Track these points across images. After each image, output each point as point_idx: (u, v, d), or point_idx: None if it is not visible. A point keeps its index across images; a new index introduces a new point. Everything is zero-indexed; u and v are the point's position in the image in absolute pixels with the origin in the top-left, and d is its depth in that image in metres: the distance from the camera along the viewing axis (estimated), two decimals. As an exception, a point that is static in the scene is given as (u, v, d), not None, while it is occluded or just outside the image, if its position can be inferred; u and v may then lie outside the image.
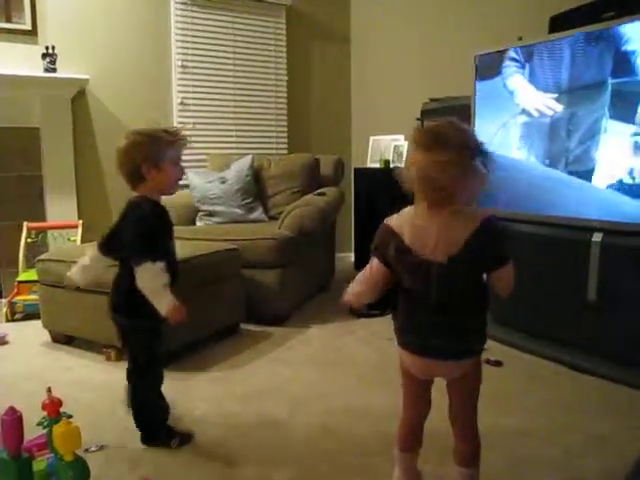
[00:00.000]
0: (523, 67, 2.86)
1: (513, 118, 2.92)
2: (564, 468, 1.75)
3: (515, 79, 2.90)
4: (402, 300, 1.45)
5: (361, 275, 1.49)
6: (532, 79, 2.82)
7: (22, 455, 1.41)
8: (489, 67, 3.02)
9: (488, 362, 2.59)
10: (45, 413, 1.45)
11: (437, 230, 1.32)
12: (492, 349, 2.77)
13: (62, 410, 1.47)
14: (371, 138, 4.71)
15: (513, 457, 1.82)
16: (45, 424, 1.44)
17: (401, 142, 4.38)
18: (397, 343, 1.50)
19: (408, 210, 1.40)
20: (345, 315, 3.33)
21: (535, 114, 2.81)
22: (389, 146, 4.48)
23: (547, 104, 2.74)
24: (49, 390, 1.45)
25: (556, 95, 2.70)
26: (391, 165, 4.33)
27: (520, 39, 2.91)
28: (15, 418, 1.39)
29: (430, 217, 1.34)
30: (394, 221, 1.41)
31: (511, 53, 2.89)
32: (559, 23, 2.92)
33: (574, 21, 2.70)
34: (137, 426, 1.93)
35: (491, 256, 1.35)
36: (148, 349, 1.93)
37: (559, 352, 2.64)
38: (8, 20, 3.82)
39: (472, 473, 1.49)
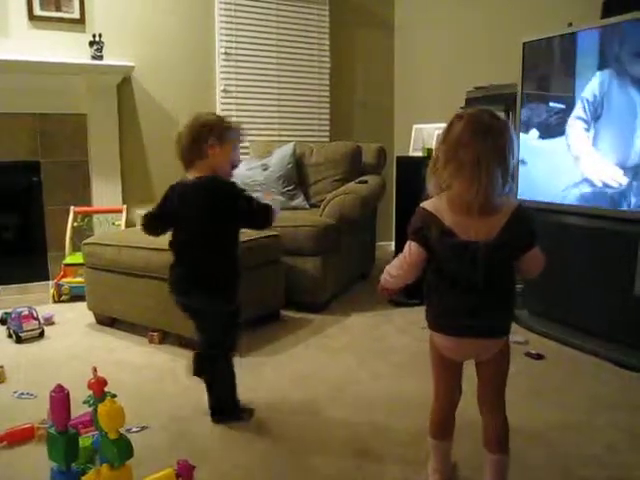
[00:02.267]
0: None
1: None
2: (607, 466, 1.71)
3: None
4: (438, 284, 1.48)
5: (397, 260, 1.51)
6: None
7: (69, 430, 1.45)
8: (536, 55, 2.94)
9: (529, 355, 2.55)
10: (91, 392, 1.48)
11: (476, 220, 1.37)
12: (533, 342, 2.73)
13: (106, 390, 1.50)
14: (414, 126, 4.65)
15: (554, 452, 1.79)
16: (91, 402, 1.47)
17: (444, 130, 4.32)
18: (430, 328, 1.55)
19: (441, 196, 1.43)
20: (384, 304, 3.32)
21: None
22: (432, 134, 4.42)
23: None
24: (95, 370, 1.49)
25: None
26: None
27: (570, 25, 2.83)
28: (63, 395, 1.43)
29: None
30: (431, 205, 1.43)
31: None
32: (613, 7, 2.82)
33: (630, 4, 2.59)
34: (215, 405, 1.99)
35: (524, 239, 1.41)
36: (232, 330, 2.01)
37: (601, 347, 2.58)
38: (58, 9, 3.91)
39: (503, 459, 1.50)
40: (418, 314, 3.08)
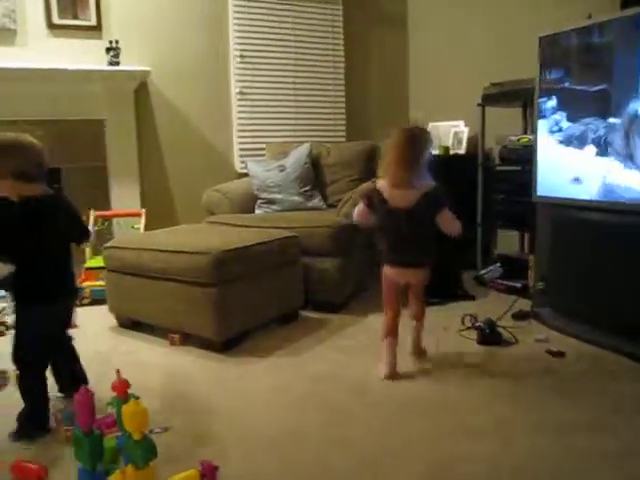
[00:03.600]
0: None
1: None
2: (620, 467, 1.67)
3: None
4: (384, 234, 2.37)
5: (355, 210, 2.44)
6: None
7: (94, 432, 1.47)
8: (554, 50, 2.91)
9: (550, 353, 2.53)
10: (114, 394, 1.50)
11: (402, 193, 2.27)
12: (554, 339, 2.70)
13: (129, 391, 1.52)
14: (430, 124, 4.64)
15: (575, 449, 1.76)
16: (114, 404, 1.49)
17: (461, 128, 4.30)
18: (383, 262, 2.40)
19: (385, 179, 2.31)
20: (402, 304, 3.31)
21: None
22: (448, 132, 4.41)
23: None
24: (118, 372, 1.50)
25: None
26: (451, 152, 4.27)
27: (589, 17, 2.79)
28: (87, 397, 1.45)
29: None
30: (379, 184, 2.32)
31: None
32: (632, 1, 2.78)
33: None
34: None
35: (433, 206, 2.27)
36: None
37: (623, 344, 2.53)
38: (75, 17, 3.97)
39: (419, 324, 2.55)
40: (437, 314, 3.10)
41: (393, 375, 2.33)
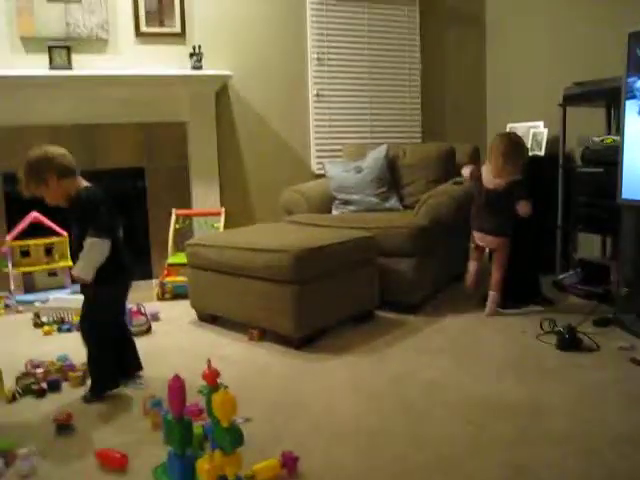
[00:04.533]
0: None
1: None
2: None
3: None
4: (474, 204, 3.23)
5: (465, 171, 3.27)
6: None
7: (184, 418, 1.55)
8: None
9: (634, 361, 2.44)
10: (204, 382, 1.57)
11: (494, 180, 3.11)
12: (639, 348, 2.61)
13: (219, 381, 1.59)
14: (508, 125, 4.56)
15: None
16: (205, 392, 1.57)
17: (540, 129, 4.21)
18: (471, 227, 3.26)
19: (486, 166, 3.16)
20: (480, 306, 3.28)
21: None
22: (527, 133, 4.32)
23: None
24: (209, 361, 1.57)
25: None
26: (530, 153, 4.18)
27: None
28: (179, 385, 1.52)
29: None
30: (483, 167, 3.18)
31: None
32: None
33: None
34: None
35: (516, 193, 3.04)
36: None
37: None
38: (161, 25, 4.15)
39: (494, 295, 3.16)
40: (514, 317, 3.06)
41: (472, 283, 3.32)
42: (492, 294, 3.17)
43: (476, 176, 3.17)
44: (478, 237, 3.23)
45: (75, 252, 2.19)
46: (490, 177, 3.11)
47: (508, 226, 3.13)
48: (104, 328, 2.24)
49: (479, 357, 2.57)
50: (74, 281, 2.52)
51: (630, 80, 2.86)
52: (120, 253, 2.24)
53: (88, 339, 2.24)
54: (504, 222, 3.12)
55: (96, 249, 2.11)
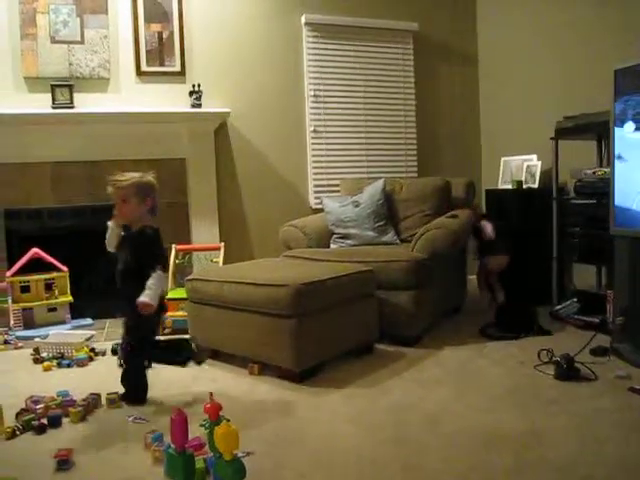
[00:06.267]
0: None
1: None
2: None
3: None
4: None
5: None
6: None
7: (186, 451, 1.56)
8: (630, 82, 2.89)
9: (634, 390, 2.46)
10: (206, 416, 1.59)
11: None
12: (636, 376, 2.63)
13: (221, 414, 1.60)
14: (502, 159, 4.65)
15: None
16: (206, 425, 1.58)
17: (534, 162, 4.29)
18: None
19: None
20: (478, 337, 3.31)
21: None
22: (521, 166, 4.40)
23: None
24: (211, 395, 1.60)
25: None
26: (524, 186, 4.25)
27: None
28: (182, 419, 1.54)
29: None
30: None
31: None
32: None
33: None
34: None
35: None
36: None
37: None
38: (162, 64, 4.26)
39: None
40: (512, 348, 3.08)
41: None
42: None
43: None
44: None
45: (123, 276, 2.45)
46: None
47: None
48: (144, 343, 2.52)
49: (478, 388, 2.58)
50: (129, 309, 2.60)
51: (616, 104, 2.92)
52: None
53: (132, 357, 2.50)
54: None
55: (163, 282, 2.47)
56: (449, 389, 2.58)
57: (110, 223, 2.52)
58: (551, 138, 3.83)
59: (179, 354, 2.60)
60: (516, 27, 4.71)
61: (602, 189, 3.28)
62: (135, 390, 2.53)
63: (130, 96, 4.17)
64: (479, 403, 2.40)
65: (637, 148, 2.82)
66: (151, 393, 2.53)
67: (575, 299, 3.72)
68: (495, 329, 3.39)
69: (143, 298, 2.34)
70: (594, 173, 3.52)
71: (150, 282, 2.36)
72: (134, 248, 2.46)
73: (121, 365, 2.54)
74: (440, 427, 2.19)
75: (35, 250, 3.79)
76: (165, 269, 2.52)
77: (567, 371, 2.62)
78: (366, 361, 3.00)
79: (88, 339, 3.48)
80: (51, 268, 3.91)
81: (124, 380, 2.55)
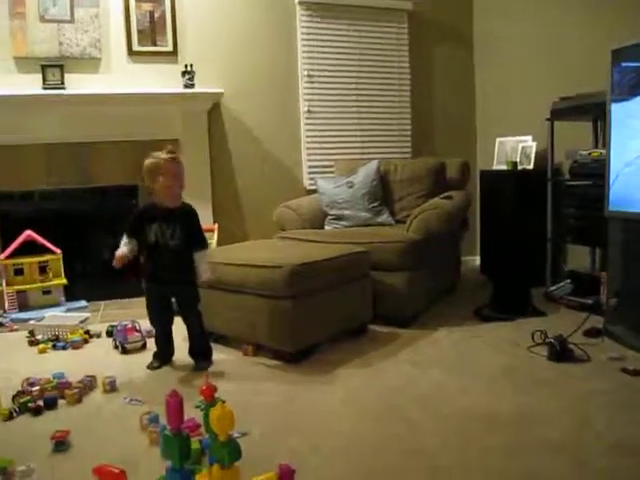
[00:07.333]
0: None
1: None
2: None
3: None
4: None
5: None
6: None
7: (182, 432, 1.57)
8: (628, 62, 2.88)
9: (626, 371, 2.48)
10: (201, 397, 1.60)
11: None
12: (628, 357, 2.65)
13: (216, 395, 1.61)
14: (497, 140, 4.64)
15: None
16: (202, 407, 1.58)
17: (529, 143, 4.28)
18: None
19: None
20: (472, 319, 3.33)
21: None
22: (516, 147, 4.39)
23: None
24: (207, 377, 1.60)
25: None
26: (519, 167, 4.25)
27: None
28: (178, 400, 1.54)
29: None
30: None
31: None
32: None
33: None
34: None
35: None
36: None
37: None
38: (154, 44, 4.20)
39: None
40: (505, 329, 3.10)
41: None
42: None
43: None
44: None
45: (179, 251, 2.60)
46: None
47: None
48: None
49: (471, 369, 2.60)
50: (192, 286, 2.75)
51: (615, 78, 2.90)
52: None
53: (200, 322, 2.74)
54: None
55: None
56: (443, 370, 2.59)
57: (125, 239, 2.71)
58: (546, 119, 3.81)
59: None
60: (512, 6, 4.67)
61: (597, 170, 3.27)
62: (210, 350, 2.79)
63: (122, 76, 4.12)
64: (473, 384, 2.42)
65: None
66: (150, 374, 2.54)
67: (569, 280, 3.74)
68: (490, 310, 3.41)
69: (209, 274, 2.62)
70: (589, 154, 3.51)
71: (203, 257, 2.64)
72: (186, 224, 2.65)
73: (116, 347, 2.54)
74: (434, 408, 2.20)
75: (28, 232, 3.77)
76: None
77: (560, 352, 2.64)
78: (360, 342, 3.02)
79: (83, 321, 3.48)
80: (45, 250, 3.90)
81: (198, 346, 2.75)
